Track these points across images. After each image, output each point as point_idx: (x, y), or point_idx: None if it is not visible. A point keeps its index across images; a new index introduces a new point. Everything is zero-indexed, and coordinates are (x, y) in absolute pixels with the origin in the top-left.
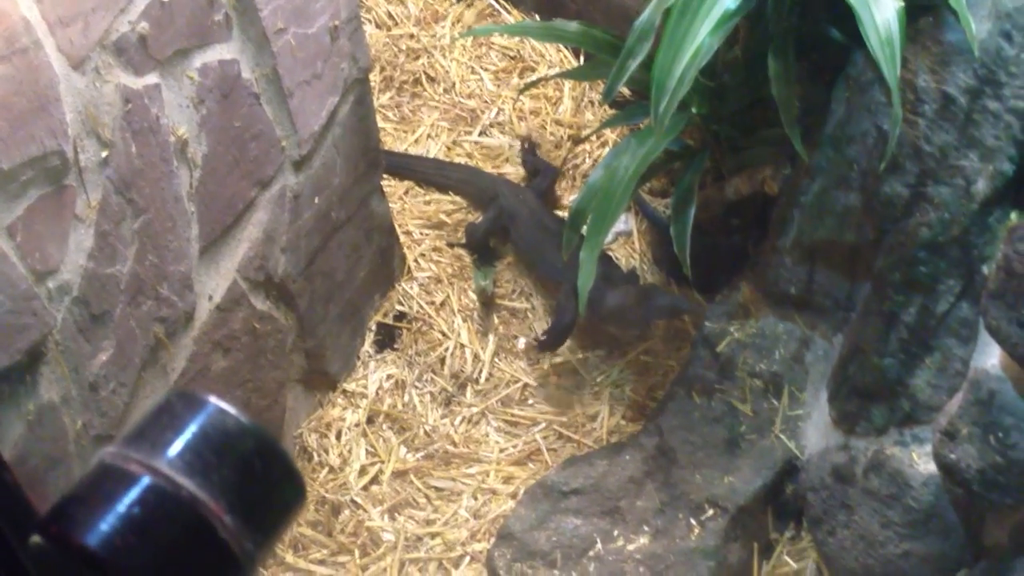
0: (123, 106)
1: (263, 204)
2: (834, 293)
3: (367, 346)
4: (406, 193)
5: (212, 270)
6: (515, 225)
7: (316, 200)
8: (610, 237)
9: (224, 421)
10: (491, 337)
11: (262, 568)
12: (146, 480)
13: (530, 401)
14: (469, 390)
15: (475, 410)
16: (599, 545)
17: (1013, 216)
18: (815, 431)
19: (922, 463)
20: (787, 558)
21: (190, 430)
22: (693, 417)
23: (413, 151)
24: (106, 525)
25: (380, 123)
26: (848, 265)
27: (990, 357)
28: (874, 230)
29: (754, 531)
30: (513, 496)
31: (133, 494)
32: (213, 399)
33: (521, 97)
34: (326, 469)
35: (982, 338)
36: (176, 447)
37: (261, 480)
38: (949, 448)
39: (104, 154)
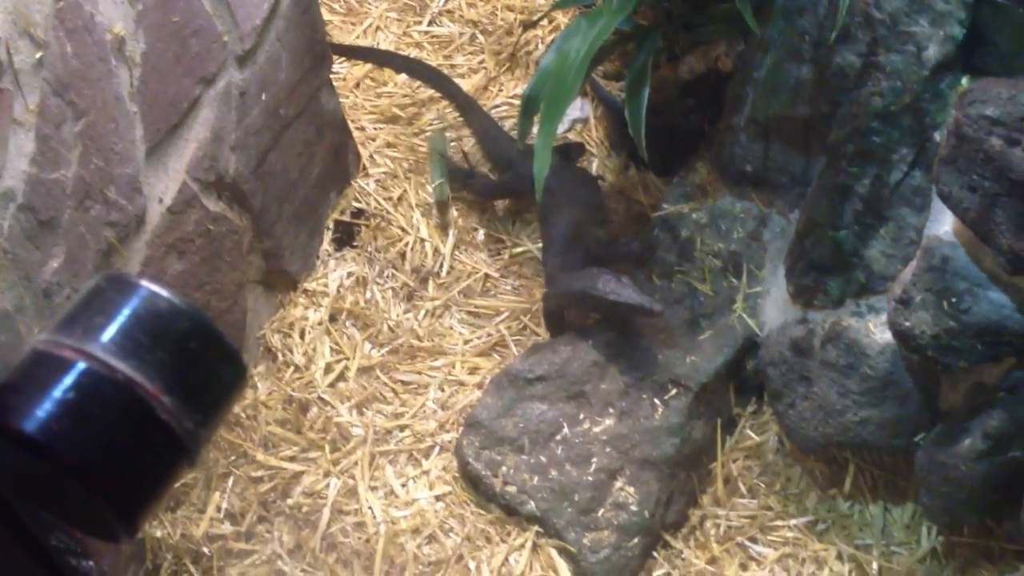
0: (55, 4)
1: (208, 102)
2: (789, 169)
3: (326, 244)
4: (357, 87)
5: (161, 172)
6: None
7: (263, 97)
8: (566, 125)
9: (156, 303)
10: (451, 230)
11: (234, 470)
12: (80, 365)
13: (492, 292)
14: (431, 284)
15: (438, 303)
16: (566, 429)
17: (964, 81)
18: (774, 307)
19: (878, 332)
20: (749, 432)
21: (122, 314)
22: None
23: (363, 43)
24: (42, 411)
25: (326, 15)
26: (802, 139)
27: (943, 224)
28: (827, 102)
29: (717, 407)
30: (479, 386)
31: (68, 380)
32: (145, 282)
33: None
34: (291, 368)
35: (935, 206)
36: (109, 331)
37: (198, 360)
38: (904, 316)
39: (39, 55)
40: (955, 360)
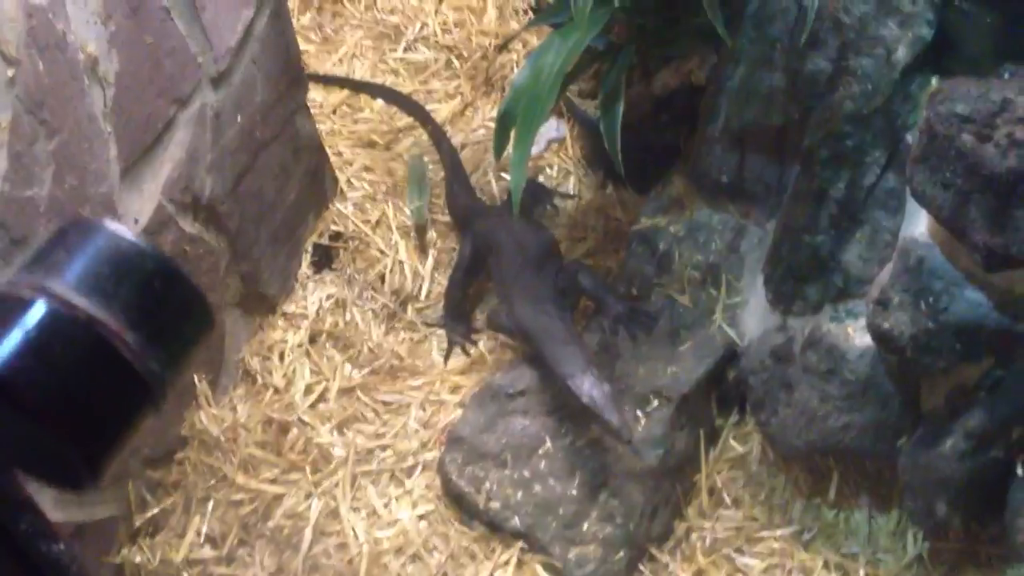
0: (26, 22)
1: (183, 123)
2: (765, 178)
3: (304, 267)
4: (334, 113)
5: (135, 192)
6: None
7: (239, 118)
8: (543, 145)
9: (119, 244)
10: (429, 252)
11: (214, 493)
12: (40, 303)
13: (471, 311)
14: (410, 306)
15: (417, 324)
16: (548, 443)
17: (934, 81)
18: (753, 316)
19: (857, 336)
20: (733, 442)
21: (85, 253)
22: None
23: (337, 72)
24: (2, 350)
25: (302, 44)
26: (777, 148)
27: (918, 226)
28: (799, 109)
29: (699, 418)
30: (461, 404)
31: (28, 318)
32: (107, 223)
33: (444, 9)
34: (271, 390)
35: (909, 208)
36: (71, 270)
37: (162, 300)
38: (882, 317)
39: (11, 73)
40: (934, 360)
